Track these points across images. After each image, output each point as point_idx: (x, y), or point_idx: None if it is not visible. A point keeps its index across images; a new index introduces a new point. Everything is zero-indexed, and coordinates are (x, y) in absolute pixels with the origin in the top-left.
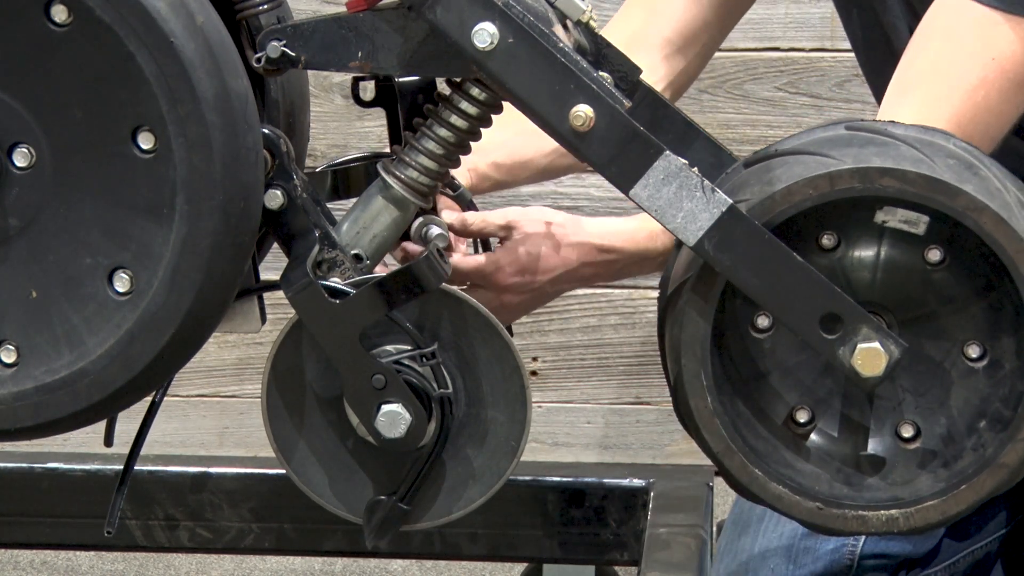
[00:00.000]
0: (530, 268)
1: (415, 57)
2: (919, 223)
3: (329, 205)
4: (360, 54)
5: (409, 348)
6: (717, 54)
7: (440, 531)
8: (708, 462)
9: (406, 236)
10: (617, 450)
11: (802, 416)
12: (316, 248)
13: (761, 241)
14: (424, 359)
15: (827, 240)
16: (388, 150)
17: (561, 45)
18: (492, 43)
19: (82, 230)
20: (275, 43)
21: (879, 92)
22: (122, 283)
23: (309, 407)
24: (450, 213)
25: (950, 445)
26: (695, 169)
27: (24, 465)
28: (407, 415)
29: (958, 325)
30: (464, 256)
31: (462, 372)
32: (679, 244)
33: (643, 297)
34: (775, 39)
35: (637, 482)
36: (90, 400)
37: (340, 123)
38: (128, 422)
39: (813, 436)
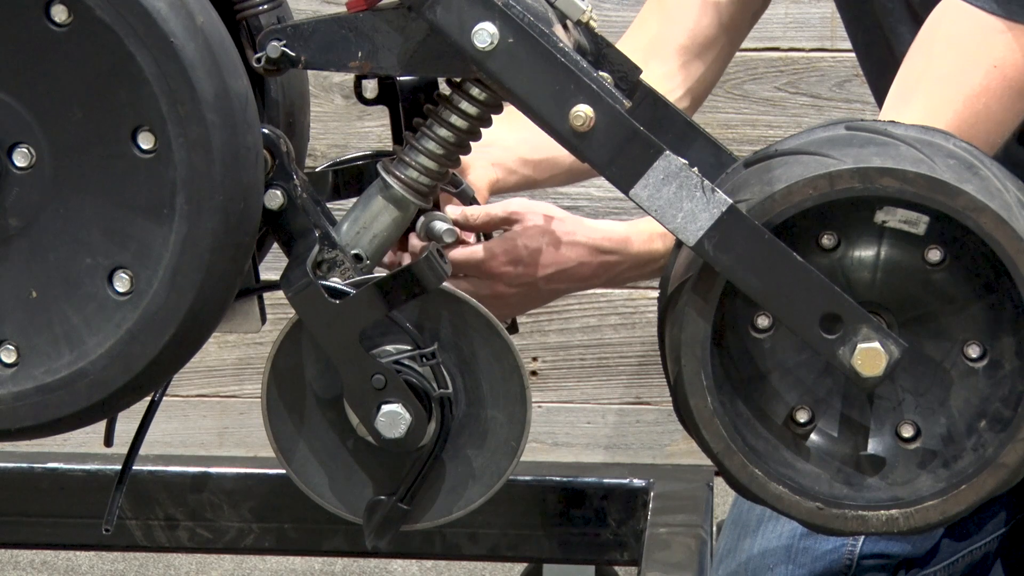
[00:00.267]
0: (524, 260)
1: (415, 57)
2: (919, 223)
3: (329, 205)
4: (360, 54)
5: (409, 348)
6: None
7: (440, 531)
8: (708, 462)
9: (407, 236)
10: (617, 450)
11: (802, 416)
12: (316, 248)
13: (761, 241)
14: (424, 359)
15: (827, 240)
16: (390, 148)
17: (561, 45)
18: (492, 43)
19: (82, 230)
20: (275, 43)
21: (880, 95)
22: (122, 283)
23: (309, 407)
24: (453, 208)
25: (950, 445)
26: (695, 169)
27: (24, 465)
28: (407, 415)
29: (958, 325)
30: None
31: (462, 372)
32: (679, 244)
33: (643, 297)
34: (775, 39)
35: (637, 482)
36: (90, 400)
37: (340, 123)
38: (128, 422)
39: (813, 436)
